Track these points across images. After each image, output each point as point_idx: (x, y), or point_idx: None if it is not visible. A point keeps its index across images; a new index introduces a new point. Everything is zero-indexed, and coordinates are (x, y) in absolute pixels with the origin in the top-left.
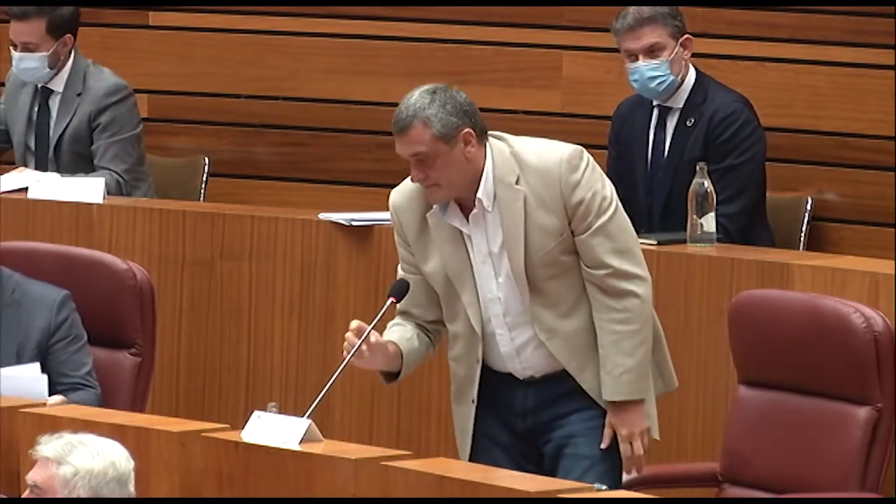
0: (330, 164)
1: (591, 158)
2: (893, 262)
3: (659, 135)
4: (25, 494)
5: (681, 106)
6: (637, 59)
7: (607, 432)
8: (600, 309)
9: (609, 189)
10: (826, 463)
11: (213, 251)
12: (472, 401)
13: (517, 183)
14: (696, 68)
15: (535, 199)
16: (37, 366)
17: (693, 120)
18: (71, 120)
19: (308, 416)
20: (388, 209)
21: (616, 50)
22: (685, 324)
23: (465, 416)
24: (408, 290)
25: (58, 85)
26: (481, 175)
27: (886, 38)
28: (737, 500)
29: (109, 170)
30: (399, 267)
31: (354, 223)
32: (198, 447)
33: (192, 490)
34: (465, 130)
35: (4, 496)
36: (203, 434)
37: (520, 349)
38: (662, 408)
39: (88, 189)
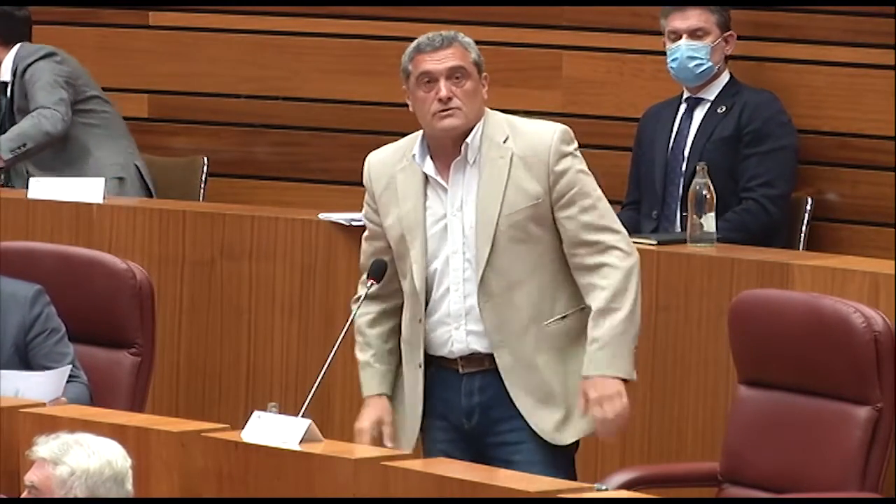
0: (330, 164)
1: None
2: (893, 262)
3: (685, 123)
4: (24, 495)
5: (712, 98)
6: (680, 39)
7: (581, 398)
8: (587, 289)
9: (594, 181)
10: (826, 463)
11: (213, 251)
12: (419, 365)
13: (505, 142)
14: (730, 71)
15: (520, 159)
16: (48, 373)
17: (725, 108)
18: (13, 98)
19: (303, 415)
20: None
21: (617, 50)
22: (685, 324)
23: (413, 378)
24: (385, 269)
25: (6, 75)
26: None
27: (886, 38)
28: (737, 500)
29: (30, 112)
30: (363, 236)
31: (354, 223)
32: (198, 447)
33: (192, 490)
34: (486, 74)
35: (4, 496)
36: (203, 434)
37: (469, 310)
38: (662, 407)
39: (88, 189)
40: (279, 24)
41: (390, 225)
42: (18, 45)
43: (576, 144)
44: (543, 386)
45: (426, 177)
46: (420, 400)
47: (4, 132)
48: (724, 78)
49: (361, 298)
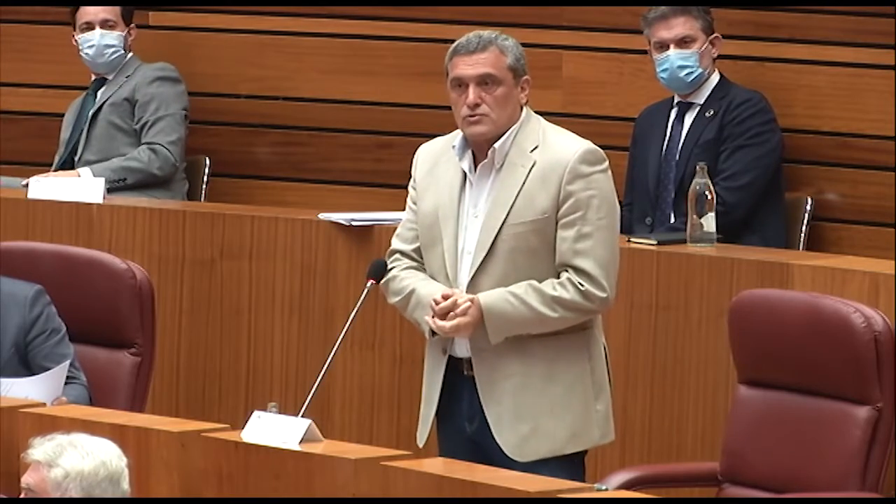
0: (330, 164)
1: (609, 171)
2: (893, 262)
3: (676, 128)
4: (21, 496)
5: (701, 102)
6: (668, 49)
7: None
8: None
9: (612, 204)
10: (826, 463)
11: (213, 251)
12: (444, 351)
13: (532, 151)
14: (719, 72)
15: (539, 171)
16: (42, 377)
17: (713, 111)
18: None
19: (304, 414)
20: (387, 209)
21: (617, 50)
22: (685, 324)
23: (436, 363)
24: (385, 269)
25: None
26: (508, 130)
27: (886, 38)
28: (737, 500)
29: (143, 135)
30: (403, 219)
31: (354, 223)
32: (198, 447)
33: (192, 490)
34: (527, 78)
35: (4, 496)
36: (203, 434)
37: None
38: (662, 407)
39: (88, 189)
40: (279, 24)
41: (425, 210)
42: (132, 55)
43: (601, 166)
44: (517, 401)
45: (464, 171)
46: (438, 387)
47: (81, 126)
48: (714, 80)
49: (365, 294)
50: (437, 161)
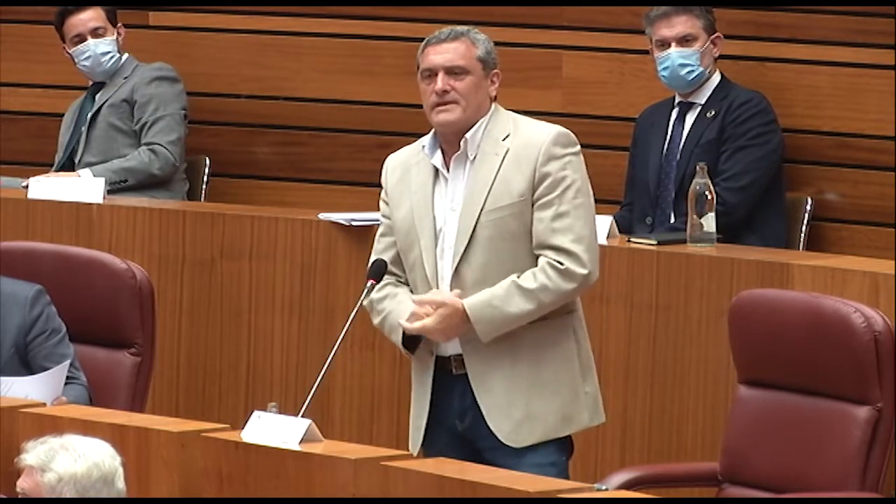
0: (330, 164)
1: (582, 156)
2: (893, 262)
3: (677, 128)
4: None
5: (703, 102)
6: (669, 47)
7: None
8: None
9: (587, 188)
10: (826, 463)
11: (213, 251)
12: (431, 352)
13: (504, 139)
14: (721, 72)
15: (513, 156)
16: (42, 376)
17: (714, 112)
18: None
19: (304, 414)
20: None
21: (617, 50)
22: (685, 324)
23: (424, 365)
24: (385, 270)
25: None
26: (477, 121)
27: (886, 38)
28: (737, 500)
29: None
30: (377, 234)
31: (354, 223)
32: (198, 447)
33: (192, 490)
34: (497, 71)
35: (4, 496)
36: (203, 434)
37: None
38: (662, 407)
39: (88, 189)
40: (279, 24)
41: (401, 217)
42: (128, 55)
43: (574, 149)
44: (508, 387)
45: (436, 170)
46: (429, 390)
47: (80, 128)
48: (715, 80)
49: (365, 294)
50: (407, 168)
